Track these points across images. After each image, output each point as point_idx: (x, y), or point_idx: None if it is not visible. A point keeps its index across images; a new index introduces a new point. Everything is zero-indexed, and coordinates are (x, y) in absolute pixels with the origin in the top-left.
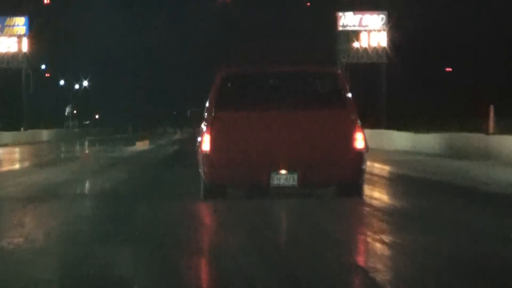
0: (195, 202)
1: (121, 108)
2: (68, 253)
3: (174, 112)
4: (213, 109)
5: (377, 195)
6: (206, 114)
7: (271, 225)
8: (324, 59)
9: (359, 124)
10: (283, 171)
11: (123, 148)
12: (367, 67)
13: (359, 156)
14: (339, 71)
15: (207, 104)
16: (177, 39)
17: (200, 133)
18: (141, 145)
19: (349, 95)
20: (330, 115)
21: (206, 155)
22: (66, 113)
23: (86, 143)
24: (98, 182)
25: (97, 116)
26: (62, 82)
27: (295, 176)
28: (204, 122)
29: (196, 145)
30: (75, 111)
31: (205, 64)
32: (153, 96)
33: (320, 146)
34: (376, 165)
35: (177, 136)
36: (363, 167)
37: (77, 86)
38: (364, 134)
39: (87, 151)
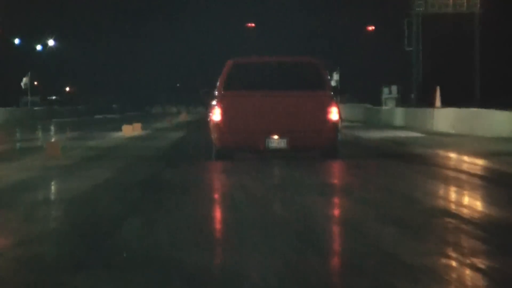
0: (204, 212)
1: (102, 79)
2: (26, 285)
3: (178, 85)
4: (223, 89)
5: (466, 201)
6: (216, 93)
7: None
8: (394, 10)
9: (334, 102)
10: (275, 137)
11: (105, 135)
12: (453, 18)
13: (334, 126)
14: (320, 61)
15: (217, 85)
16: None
17: (211, 107)
18: (130, 131)
19: (328, 78)
20: (312, 95)
21: (217, 124)
22: (23, 85)
23: (53, 127)
24: (69, 184)
25: (67, 89)
26: (17, 41)
27: (285, 140)
28: (214, 99)
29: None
30: (36, 82)
31: (217, 29)
32: (148, 64)
33: (304, 117)
34: (466, 158)
35: (182, 117)
36: (337, 133)
37: (39, 47)
38: (338, 108)
39: (53, 139)
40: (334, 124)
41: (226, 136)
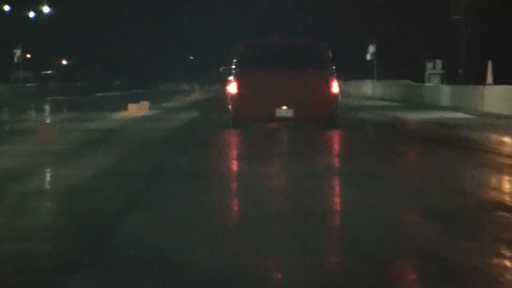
0: (218, 204)
1: (103, 52)
2: None
3: (191, 57)
4: (238, 67)
5: None
6: (232, 71)
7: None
8: None
9: (335, 77)
10: (284, 107)
11: (106, 116)
12: None
13: (334, 98)
14: (324, 43)
15: (233, 62)
16: None
17: (227, 82)
18: (136, 110)
19: (330, 58)
20: (316, 72)
21: (233, 96)
22: (15, 59)
23: (47, 106)
24: (64, 172)
25: (64, 63)
26: (7, 8)
27: (292, 110)
28: (231, 76)
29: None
30: (28, 55)
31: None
32: (156, 36)
33: (308, 91)
34: None
35: (195, 95)
36: (337, 105)
37: (32, 15)
38: (339, 83)
39: (47, 120)
40: (334, 96)
41: (242, 107)
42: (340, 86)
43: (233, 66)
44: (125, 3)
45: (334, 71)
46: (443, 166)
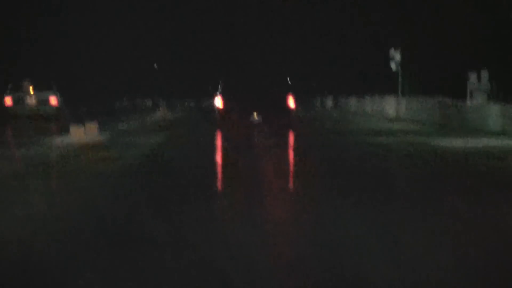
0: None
1: (37, 56)
2: None
3: (155, 65)
4: (224, 88)
5: None
6: (220, 89)
7: None
8: None
9: (291, 94)
10: (255, 114)
11: (40, 141)
12: None
13: (291, 110)
14: (285, 72)
15: (219, 86)
16: None
17: (213, 99)
18: (81, 135)
19: (288, 83)
20: (277, 91)
21: (219, 107)
22: None
23: None
24: None
25: None
26: None
27: (261, 117)
28: (217, 95)
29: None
30: None
31: None
32: (109, 36)
33: (272, 104)
34: None
35: (160, 114)
36: (293, 116)
37: None
38: (294, 100)
39: None
40: (290, 108)
41: (224, 114)
42: (295, 101)
43: (219, 87)
44: None
45: (290, 91)
46: (491, 213)
